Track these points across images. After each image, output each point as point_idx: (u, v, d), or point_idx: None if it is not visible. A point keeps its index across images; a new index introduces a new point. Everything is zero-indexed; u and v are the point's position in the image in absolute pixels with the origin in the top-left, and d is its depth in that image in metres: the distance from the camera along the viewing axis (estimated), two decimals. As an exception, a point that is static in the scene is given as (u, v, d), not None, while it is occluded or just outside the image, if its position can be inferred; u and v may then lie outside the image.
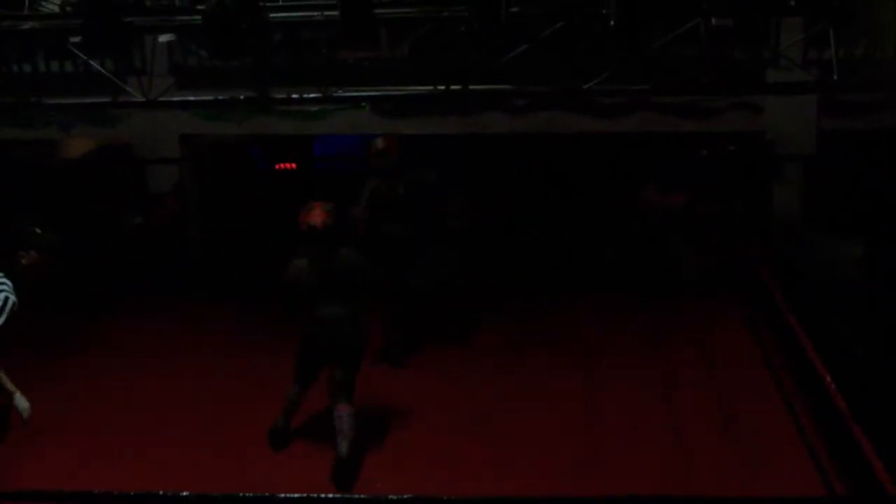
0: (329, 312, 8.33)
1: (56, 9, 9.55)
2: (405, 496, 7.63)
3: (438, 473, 8.27)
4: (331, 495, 7.72)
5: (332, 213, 8.29)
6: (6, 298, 7.18)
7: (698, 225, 12.68)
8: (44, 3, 9.66)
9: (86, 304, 12.02)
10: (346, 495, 7.75)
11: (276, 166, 15.17)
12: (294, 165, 15.22)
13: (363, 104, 12.50)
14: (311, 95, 10.20)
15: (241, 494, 7.76)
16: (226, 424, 9.26)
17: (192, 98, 11.29)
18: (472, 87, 9.87)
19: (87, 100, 11.05)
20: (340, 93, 10.09)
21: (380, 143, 10.22)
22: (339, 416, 8.32)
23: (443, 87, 9.82)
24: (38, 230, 7.57)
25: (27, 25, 9.58)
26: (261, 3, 9.00)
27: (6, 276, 7.20)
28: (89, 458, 8.66)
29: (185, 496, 7.77)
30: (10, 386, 7.61)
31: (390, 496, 7.67)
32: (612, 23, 8.69)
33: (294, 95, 10.40)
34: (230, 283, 12.47)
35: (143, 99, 10.04)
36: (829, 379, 8.38)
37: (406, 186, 10.15)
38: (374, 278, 8.49)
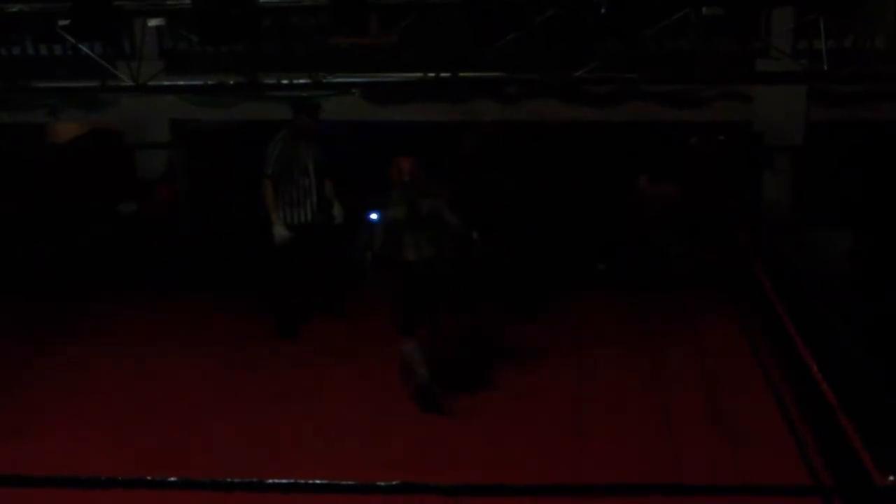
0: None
1: (45, -9, 9.52)
2: (393, 482, 7.66)
3: (430, 462, 8.27)
4: (317, 481, 7.73)
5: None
6: None
7: (688, 215, 12.68)
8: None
9: (78, 292, 11.98)
10: (334, 481, 7.75)
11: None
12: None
13: (353, 90, 12.49)
14: (301, 81, 10.17)
15: (228, 479, 7.79)
16: (218, 412, 9.26)
17: (181, 83, 11.26)
18: (462, 74, 9.86)
19: (76, 84, 11.01)
20: (330, 79, 10.06)
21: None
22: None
23: (433, 74, 9.81)
24: None
25: (15, 8, 9.54)
26: (251, -12, 8.98)
27: None
28: (80, 444, 8.65)
29: (172, 481, 7.80)
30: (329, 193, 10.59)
31: (379, 482, 7.70)
32: (602, 11, 8.69)
33: (284, 81, 10.38)
34: (222, 271, 12.43)
35: (132, 83, 10.00)
36: (816, 369, 8.39)
37: None
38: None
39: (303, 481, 7.67)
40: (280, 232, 10.33)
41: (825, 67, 9.57)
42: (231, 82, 10.59)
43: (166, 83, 10.95)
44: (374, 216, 12.10)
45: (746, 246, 11.84)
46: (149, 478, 7.88)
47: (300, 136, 10.39)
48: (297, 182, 10.37)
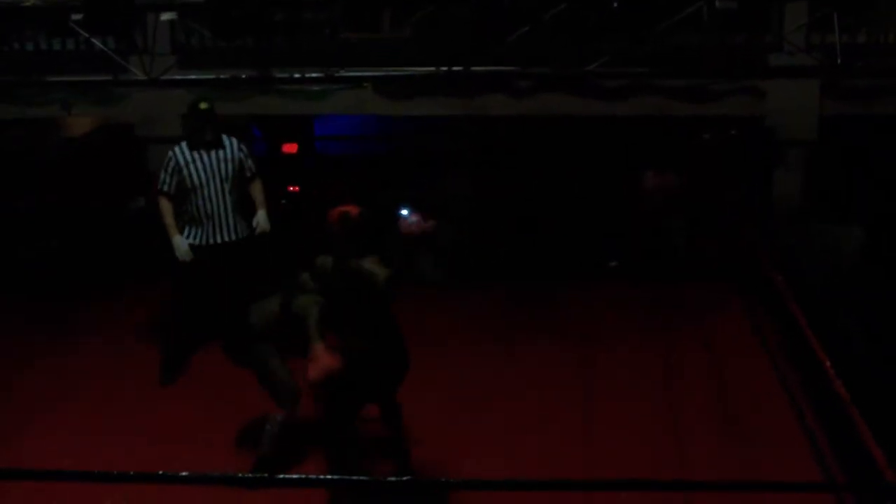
0: None
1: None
2: (403, 478, 7.65)
3: (435, 455, 8.26)
4: (328, 476, 7.72)
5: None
6: None
7: (698, 210, 12.66)
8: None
9: (82, 287, 11.99)
10: (345, 476, 7.75)
11: (283, 148, 15.13)
12: (296, 147, 15.20)
13: (365, 84, 12.49)
14: (313, 75, 10.19)
15: (238, 474, 7.79)
16: (220, 406, 9.29)
17: (193, 77, 11.27)
18: (473, 68, 9.86)
19: (89, 78, 11.03)
20: (342, 73, 10.07)
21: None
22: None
23: (445, 69, 9.81)
24: None
25: (29, 3, 9.57)
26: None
27: None
28: (88, 437, 8.68)
29: (184, 475, 7.79)
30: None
31: (389, 478, 7.70)
32: (615, 5, 8.68)
33: (296, 75, 10.39)
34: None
35: (144, 78, 10.02)
36: (828, 365, 8.38)
37: None
38: None
39: (313, 476, 7.67)
40: (178, 242, 9.22)
41: (838, 62, 9.55)
42: (243, 76, 10.60)
43: (178, 77, 10.96)
44: (404, 212, 11.96)
45: (752, 239, 11.81)
46: (160, 472, 7.89)
47: (198, 144, 9.28)
48: (198, 196, 9.26)
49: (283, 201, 14.15)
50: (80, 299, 11.71)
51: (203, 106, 9.22)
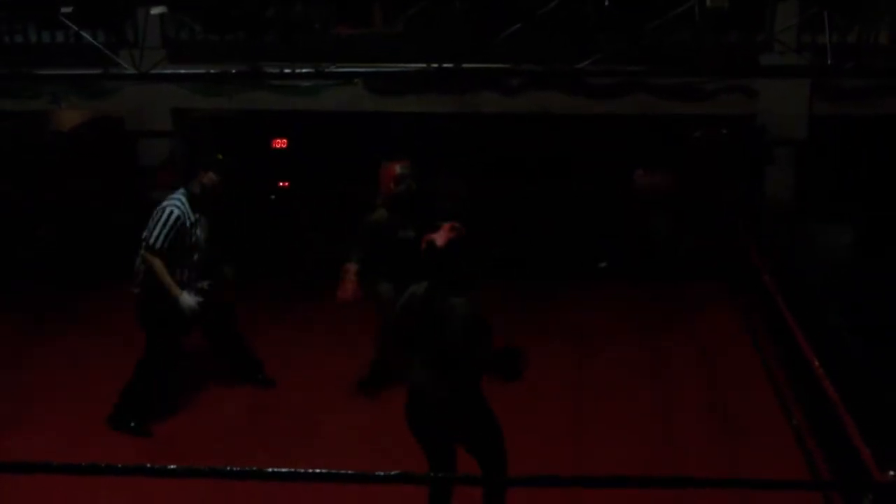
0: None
1: (48, -21, 9.51)
2: (392, 472, 7.63)
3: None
4: (316, 470, 7.69)
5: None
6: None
7: (690, 209, 12.66)
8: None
9: (76, 280, 11.94)
10: (332, 471, 7.73)
11: (273, 143, 15.08)
12: (286, 143, 15.15)
13: (355, 80, 12.46)
14: (304, 71, 10.15)
15: (226, 468, 7.77)
16: (215, 402, 9.28)
17: (183, 71, 11.23)
18: (465, 65, 9.83)
19: (79, 71, 10.98)
20: (333, 68, 10.03)
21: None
22: None
23: (436, 65, 9.78)
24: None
25: (18, -5, 9.53)
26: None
27: None
28: (84, 437, 8.67)
29: (172, 469, 7.77)
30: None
31: (378, 472, 7.67)
32: (606, 3, 8.67)
33: (286, 70, 10.35)
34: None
35: (134, 71, 9.97)
36: (817, 364, 8.39)
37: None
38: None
39: (301, 470, 7.63)
40: (187, 300, 8.63)
41: (829, 62, 9.53)
42: (233, 71, 10.56)
43: (168, 71, 10.91)
44: None
45: (744, 238, 11.83)
46: (148, 465, 7.88)
47: (200, 202, 8.82)
48: (185, 257, 8.75)
49: (273, 196, 14.15)
50: (71, 290, 11.67)
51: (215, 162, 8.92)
